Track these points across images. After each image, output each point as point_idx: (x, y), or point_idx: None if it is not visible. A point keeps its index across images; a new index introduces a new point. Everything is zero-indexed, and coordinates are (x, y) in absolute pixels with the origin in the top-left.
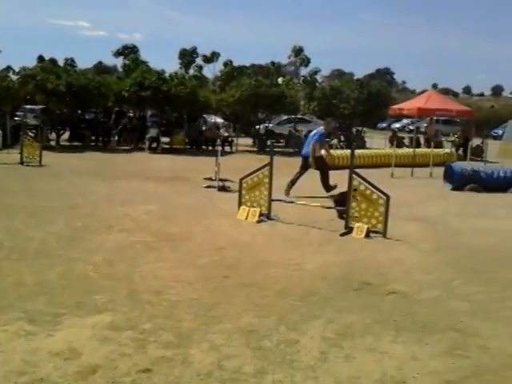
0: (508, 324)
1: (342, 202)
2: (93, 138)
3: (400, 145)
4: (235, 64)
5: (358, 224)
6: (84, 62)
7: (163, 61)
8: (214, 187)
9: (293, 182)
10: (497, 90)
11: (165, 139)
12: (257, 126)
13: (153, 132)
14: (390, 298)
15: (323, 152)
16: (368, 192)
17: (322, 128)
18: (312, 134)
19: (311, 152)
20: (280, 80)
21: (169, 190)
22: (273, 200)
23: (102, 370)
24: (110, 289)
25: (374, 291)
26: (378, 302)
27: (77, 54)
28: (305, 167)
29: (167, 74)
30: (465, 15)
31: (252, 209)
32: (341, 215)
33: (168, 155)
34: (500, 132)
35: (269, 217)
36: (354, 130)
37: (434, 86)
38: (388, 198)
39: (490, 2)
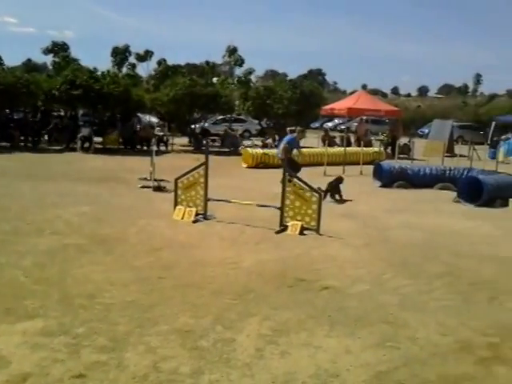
0: (435, 314)
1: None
2: (22, 138)
3: (332, 144)
4: (169, 63)
5: (292, 222)
6: (12, 60)
7: (95, 59)
8: (149, 187)
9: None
10: (422, 91)
11: (98, 139)
12: (192, 126)
13: (85, 131)
14: (324, 294)
15: (294, 151)
16: (301, 190)
17: (294, 135)
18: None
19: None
20: (215, 80)
21: (102, 190)
22: (209, 199)
23: (34, 377)
24: (42, 293)
25: (308, 287)
26: (312, 297)
27: (4, 50)
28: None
29: (99, 73)
30: (389, 17)
31: (188, 209)
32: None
33: (101, 155)
34: (426, 131)
35: (205, 216)
36: (287, 129)
37: (364, 87)
38: (320, 195)
39: (411, 5)
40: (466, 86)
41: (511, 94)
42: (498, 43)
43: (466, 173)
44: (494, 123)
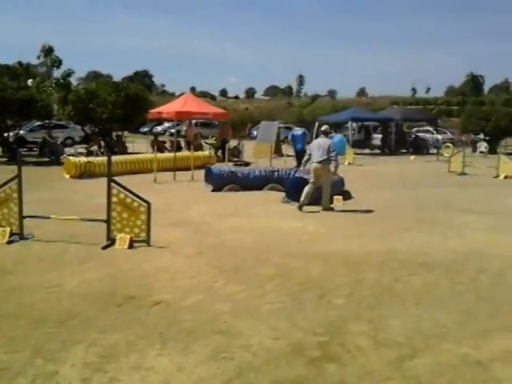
0: (267, 319)
1: None
2: None
3: (161, 149)
4: None
5: (120, 235)
6: None
7: None
8: None
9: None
10: (250, 93)
11: None
12: (5, 134)
13: None
14: (155, 310)
15: None
16: (128, 200)
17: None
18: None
19: None
20: (29, 82)
21: None
22: (24, 217)
23: None
24: None
25: (139, 304)
26: (143, 315)
27: None
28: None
29: None
30: (214, 18)
31: (0, 229)
32: None
33: None
34: (255, 133)
35: (22, 236)
36: (114, 135)
37: (193, 89)
38: (149, 204)
39: (232, 7)
40: (290, 88)
41: (332, 94)
42: (319, 44)
43: (293, 173)
44: (317, 123)
